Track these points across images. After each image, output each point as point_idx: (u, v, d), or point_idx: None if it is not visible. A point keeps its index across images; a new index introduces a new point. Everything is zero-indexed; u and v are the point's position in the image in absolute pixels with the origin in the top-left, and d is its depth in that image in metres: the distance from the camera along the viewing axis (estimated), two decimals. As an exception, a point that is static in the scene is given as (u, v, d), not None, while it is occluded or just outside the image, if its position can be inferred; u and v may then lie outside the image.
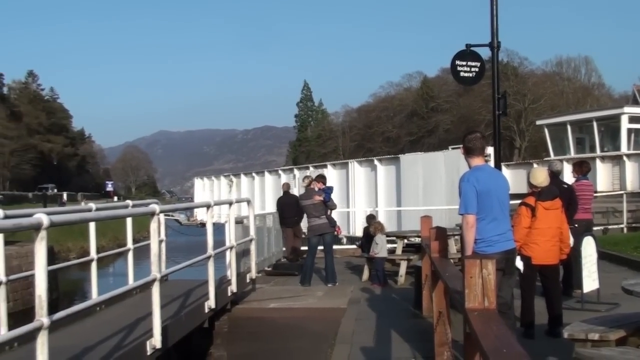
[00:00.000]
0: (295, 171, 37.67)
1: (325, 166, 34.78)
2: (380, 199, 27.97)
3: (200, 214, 46.11)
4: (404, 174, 26.45)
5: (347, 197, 29.90)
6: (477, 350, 3.08)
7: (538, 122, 35.66)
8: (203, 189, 52.55)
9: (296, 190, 27.80)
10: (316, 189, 11.53)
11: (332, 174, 31.13)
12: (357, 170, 30.79)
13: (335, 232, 12.05)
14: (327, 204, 11.39)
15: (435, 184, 23.89)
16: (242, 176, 45.95)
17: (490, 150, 9.40)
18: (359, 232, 24.46)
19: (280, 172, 40.05)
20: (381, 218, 16.40)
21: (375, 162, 29.80)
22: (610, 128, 28.34)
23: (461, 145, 5.62)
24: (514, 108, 55.11)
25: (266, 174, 41.45)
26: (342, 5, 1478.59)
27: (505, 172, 27.13)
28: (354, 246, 16.79)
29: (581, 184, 9.50)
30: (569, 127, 28.84)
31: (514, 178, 26.59)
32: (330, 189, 11.84)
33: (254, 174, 44.17)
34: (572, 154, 27.66)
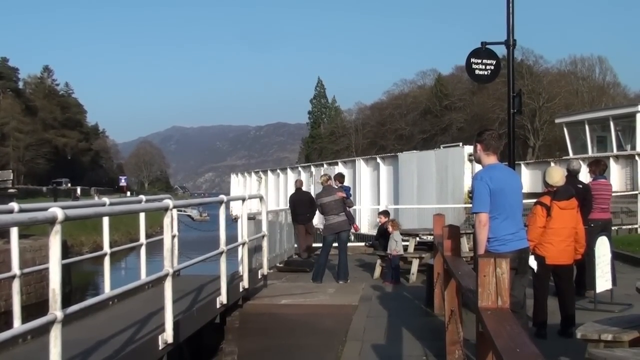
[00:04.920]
0: (312, 168, 38.26)
1: (336, 163, 34.94)
2: (382, 197, 28.15)
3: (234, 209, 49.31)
4: (402, 173, 26.68)
5: (354, 195, 30.09)
6: (490, 350, 3.06)
7: (557, 120, 35.30)
8: (237, 184, 56.70)
9: (312, 188, 27.84)
10: (335, 186, 11.66)
11: (342, 172, 31.34)
12: (363, 168, 30.95)
13: (353, 229, 12.12)
14: (347, 201, 11.51)
15: (427, 182, 24.10)
16: (269, 173, 48.48)
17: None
18: (364, 230, 24.56)
19: (300, 169, 41.00)
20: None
21: (378, 160, 29.98)
22: (627, 127, 28.05)
23: (472, 144, 5.56)
24: (529, 107, 54.78)
25: (288, 171, 42.63)
26: (357, 2, 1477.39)
27: (523, 171, 27.01)
28: (363, 244, 16.73)
29: (597, 183, 9.40)
30: (586, 126, 28.58)
31: (531, 177, 26.45)
32: (348, 188, 11.92)
33: (278, 171, 46.51)
34: (590, 152, 27.38)
